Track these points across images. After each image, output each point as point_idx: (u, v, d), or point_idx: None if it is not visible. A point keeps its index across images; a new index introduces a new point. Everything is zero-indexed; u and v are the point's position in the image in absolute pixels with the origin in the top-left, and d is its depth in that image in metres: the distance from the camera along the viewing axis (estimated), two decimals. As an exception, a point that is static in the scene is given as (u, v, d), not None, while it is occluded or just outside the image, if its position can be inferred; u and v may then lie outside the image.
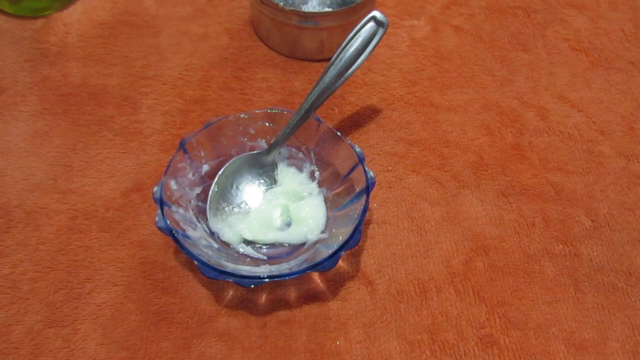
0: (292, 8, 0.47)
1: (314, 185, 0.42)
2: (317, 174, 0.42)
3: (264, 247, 0.40)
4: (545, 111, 0.48)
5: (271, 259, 0.39)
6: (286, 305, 0.38)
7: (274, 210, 0.41)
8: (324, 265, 0.35)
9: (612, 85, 0.50)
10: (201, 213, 0.40)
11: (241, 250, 0.39)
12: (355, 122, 0.47)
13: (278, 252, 0.40)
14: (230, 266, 0.36)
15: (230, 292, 0.38)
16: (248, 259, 0.39)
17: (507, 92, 0.49)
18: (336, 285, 0.39)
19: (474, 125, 0.47)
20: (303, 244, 0.40)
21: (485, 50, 0.52)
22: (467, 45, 0.52)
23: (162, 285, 0.39)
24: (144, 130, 0.46)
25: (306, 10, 0.47)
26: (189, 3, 0.55)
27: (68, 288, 0.38)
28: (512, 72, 0.51)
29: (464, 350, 0.36)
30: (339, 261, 0.39)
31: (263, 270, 0.37)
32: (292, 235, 0.40)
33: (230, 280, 0.35)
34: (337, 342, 0.37)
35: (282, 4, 0.47)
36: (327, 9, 0.47)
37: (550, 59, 0.52)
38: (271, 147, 0.41)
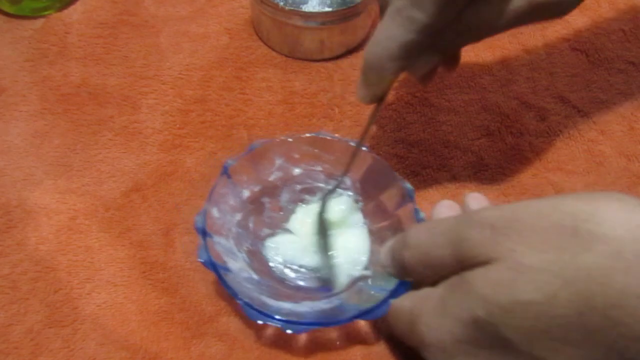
0: (292, 8, 0.47)
1: (359, 216, 0.40)
2: (360, 204, 0.41)
3: (300, 279, 0.38)
4: (545, 111, 0.48)
5: (308, 291, 0.38)
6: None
7: (319, 238, 0.39)
8: (376, 312, 0.33)
9: (612, 85, 0.50)
10: (241, 241, 0.38)
11: (283, 274, 0.38)
12: (356, 122, 0.47)
13: (315, 284, 0.38)
14: (272, 304, 0.34)
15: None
16: (287, 291, 0.37)
17: (507, 92, 0.49)
18: (336, 285, 0.39)
19: (474, 126, 0.47)
20: (344, 277, 0.38)
21: (485, 50, 0.52)
22: (467, 45, 0.52)
23: (162, 285, 0.39)
24: (144, 130, 0.46)
25: (306, 10, 0.47)
26: (189, 3, 0.55)
27: (68, 288, 0.38)
28: (512, 72, 0.51)
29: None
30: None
31: (306, 308, 0.35)
32: (335, 268, 0.38)
33: (278, 325, 0.33)
34: (337, 342, 0.37)
35: (282, 4, 0.47)
36: (327, 9, 0.47)
37: (550, 59, 0.52)
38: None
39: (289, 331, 0.33)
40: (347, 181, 0.41)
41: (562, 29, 0.54)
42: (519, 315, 0.27)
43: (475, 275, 0.28)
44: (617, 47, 0.53)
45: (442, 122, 0.47)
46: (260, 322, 0.33)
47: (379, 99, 0.37)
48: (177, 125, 0.46)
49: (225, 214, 0.38)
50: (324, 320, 0.34)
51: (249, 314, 0.33)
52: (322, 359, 0.36)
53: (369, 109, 0.48)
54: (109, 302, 0.38)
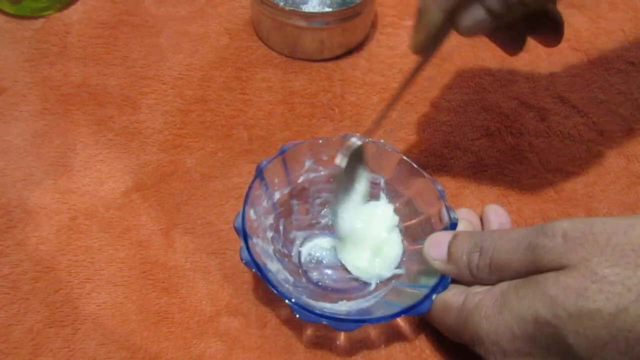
0: (292, 8, 0.47)
1: (395, 218, 0.40)
2: (389, 205, 0.41)
3: (331, 280, 0.39)
4: (545, 111, 0.48)
5: (340, 292, 0.38)
6: (286, 304, 0.38)
7: (365, 238, 0.39)
8: (422, 307, 0.33)
9: (612, 85, 0.50)
10: (274, 243, 0.38)
11: (314, 275, 0.38)
12: (356, 122, 0.47)
13: (346, 285, 0.38)
14: (314, 304, 0.35)
15: (230, 292, 0.38)
16: (322, 292, 0.37)
17: (507, 92, 0.49)
18: (336, 285, 0.39)
19: (474, 126, 0.47)
20: (375, 277, 0.38)
21: (485, 50, 0.52)
22: (467, 45, 0.52)
23: (162, 285, 0.39)
24: (144, 130, 0.46)
25: (306, 10, 0.47)
26: (189, 3, 0.55)
27: (68, 288, 0.38)
28: (512, 72, 0.51)
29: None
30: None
31: (346, 308, 0.35)
32: (369, 268, 0.38)
33: (326, 322, 0.33)
34: (337, 342, 0.37)
35: (282, 4, 0.47)
36: (327, 9, 0.47)
37: (550, 59, 0.52)
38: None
39: (339, 329, 0.33)
40: (381, 181, 0.41)
41: (562, 29, 0.54)
42: (585, 323, 0.27)
43: (546, 277, 0.29)
44: (617, 47, 0.53)
45: (442, 122, 0.47)
46: (310, 321, 0.33)
47: (425, 50, 0.36)
48: (177, 125, 0.46)
49: (259, 216, 0.38)
50: (370, 317, 0.33)
51: (299, 314, 0.33)
52: (324, 357, 0.36)
53: (369, 109, 0.48)
54: (109, 302, 0.38)
